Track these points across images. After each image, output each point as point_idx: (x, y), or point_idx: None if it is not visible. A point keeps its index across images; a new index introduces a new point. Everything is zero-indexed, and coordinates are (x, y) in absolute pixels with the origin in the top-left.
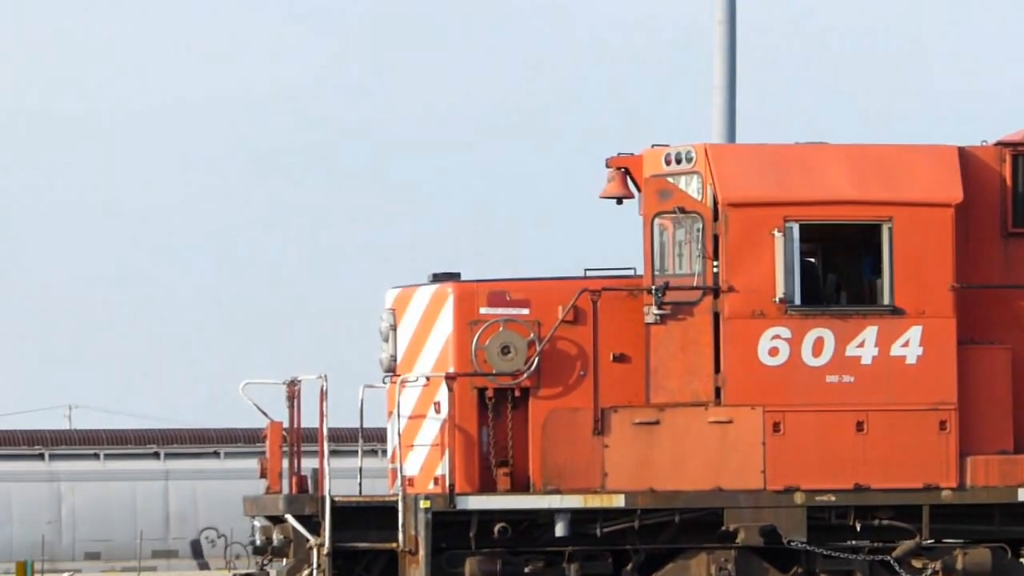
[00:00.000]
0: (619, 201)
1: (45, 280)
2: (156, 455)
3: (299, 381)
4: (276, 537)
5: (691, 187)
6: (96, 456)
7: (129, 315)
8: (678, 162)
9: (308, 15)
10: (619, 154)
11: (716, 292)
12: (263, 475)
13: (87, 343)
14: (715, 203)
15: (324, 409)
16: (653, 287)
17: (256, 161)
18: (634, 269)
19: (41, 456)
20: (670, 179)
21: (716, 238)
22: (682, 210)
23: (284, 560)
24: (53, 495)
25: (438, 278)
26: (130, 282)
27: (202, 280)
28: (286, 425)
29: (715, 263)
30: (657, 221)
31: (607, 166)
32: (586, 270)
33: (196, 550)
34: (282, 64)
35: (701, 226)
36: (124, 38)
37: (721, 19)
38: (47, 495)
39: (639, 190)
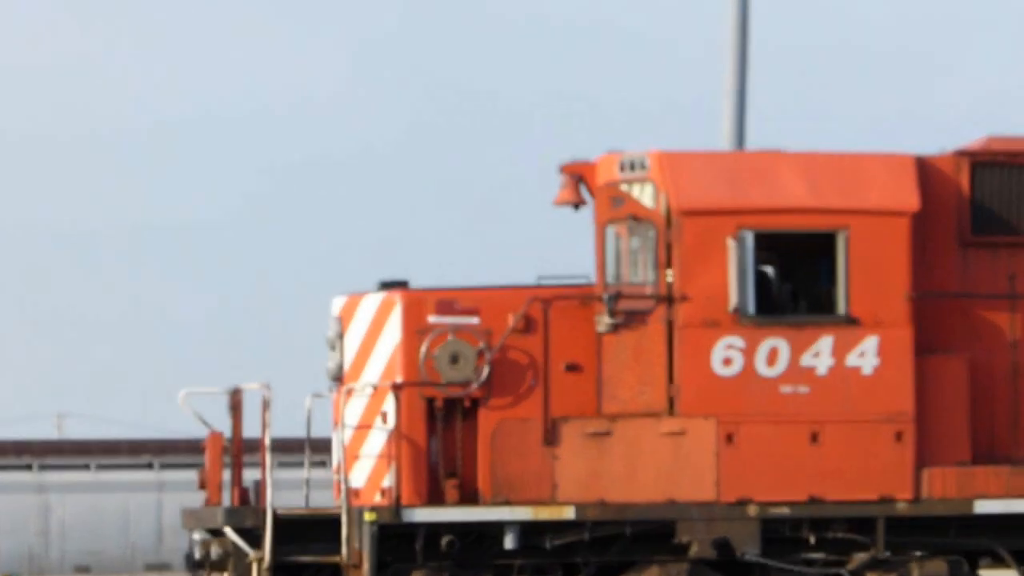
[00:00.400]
0: (576, 207)
1: (35, 284)
2: (150, 465)
3: (242, 390)
4: (215, 551)
5: (644, 195)
6: (87, 467)
7: (120, 322)
8: (632, 169)
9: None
10: (573, 160)
11: (669, 301)
12: (202, 486)
13: (77, 349)
14: (668, 211)
15: (267, 419)
16: (605, 295)
17: (213, 164)
18: (587, 278)
19: (29, 467)
20: (623, 186)
21: (669, 247)
22: (634, 218)
23: (223, 574)
24: (42, 506)
25: (386, 286)
26: (121, 289)
27: (188, 287)
28: (230, 435)
29: (668, 272)
30: (611, 229)
31: (561, 172)
32: (539, 278)
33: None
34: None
35: (654, 234)
36: None
37: (733, 24)
38: (36, 506)
39: (593, 197)
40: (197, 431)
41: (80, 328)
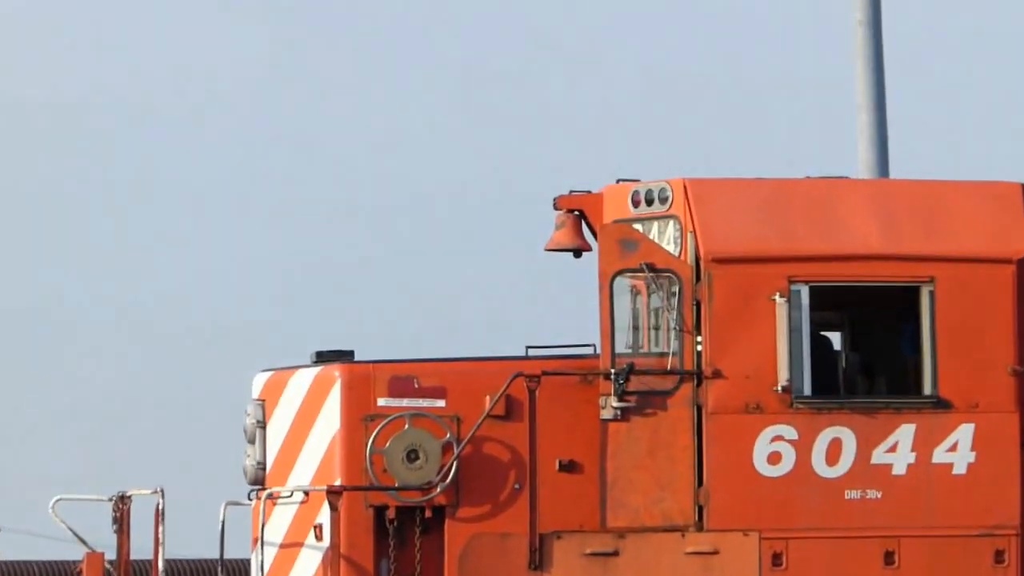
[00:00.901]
0: (576, 254)
1: None
2: None
3: (130, 497)
4: None
5: (666, 236)
6: None
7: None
8: (648, 203)
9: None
10: (571, 192)
11: (698, 378)
12: None
13: None
14: (697, 258)
15: (161, 534)
16: (612, 371)
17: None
18: (594, 347)
19: None
20: (637, 225)
21: (698, 305)
22: (651, 267)
23: None
24: None
25: (323, 358)
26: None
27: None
28: (112, 556)
29: (697, 339)
30: (621, 281)
31: (555, 207)
32: (528, 347)
33: None
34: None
35: (678, 289)
36: None
37: (862, 19)
38: None
39: (597, 240)
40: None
41: None
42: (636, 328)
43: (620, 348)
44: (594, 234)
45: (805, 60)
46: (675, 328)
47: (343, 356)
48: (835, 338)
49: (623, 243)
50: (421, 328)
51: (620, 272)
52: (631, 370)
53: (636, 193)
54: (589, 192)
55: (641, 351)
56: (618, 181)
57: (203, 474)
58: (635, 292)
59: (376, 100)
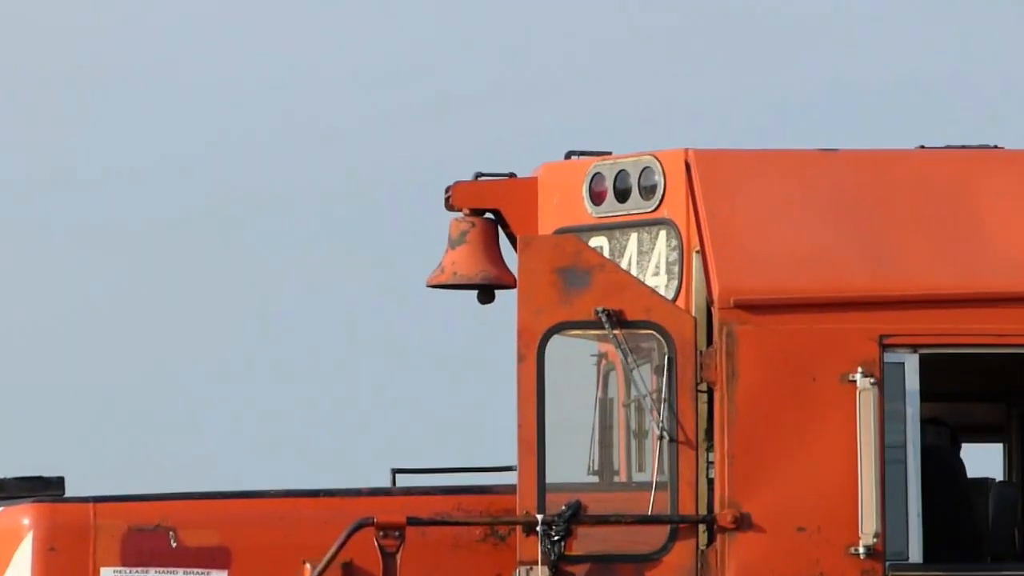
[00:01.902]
0: (484, 294)
1: None
2: None
3: None
4: None
5: (651, 258)
6: None
7: None
8: (620, 195)
9: None
10: (478, 177)
11: (708, 530)
12: None
13: None
14: (708, 301)
15: None
16: (540, 518)
17: None
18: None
19: None
20: (597, 239)
21: (709, 391)
22: (616, 318)
23: None
24: None
25: (9, 490)
26: None
27: None
28: None
29: (707, 456)
30: (557, 344)
31: (448, 205)
32: (394, 471)
33: None
34: None
35: (669, 359)
36: None
37: None
38: None
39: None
40: None
41: None
42: (604, 431)
43: (557, 474)
44: (520, 257)
45: None
46: (663, 434)
47: (44, 488)
48: (973, 451)
49: (564, 273)
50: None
51: (557, 328)
52: (575, 516)
53: (598, 177)
54: (511, 176)
55: (602, 481)
56: (568, 156)
57: None
58: (602, 363)
59: None
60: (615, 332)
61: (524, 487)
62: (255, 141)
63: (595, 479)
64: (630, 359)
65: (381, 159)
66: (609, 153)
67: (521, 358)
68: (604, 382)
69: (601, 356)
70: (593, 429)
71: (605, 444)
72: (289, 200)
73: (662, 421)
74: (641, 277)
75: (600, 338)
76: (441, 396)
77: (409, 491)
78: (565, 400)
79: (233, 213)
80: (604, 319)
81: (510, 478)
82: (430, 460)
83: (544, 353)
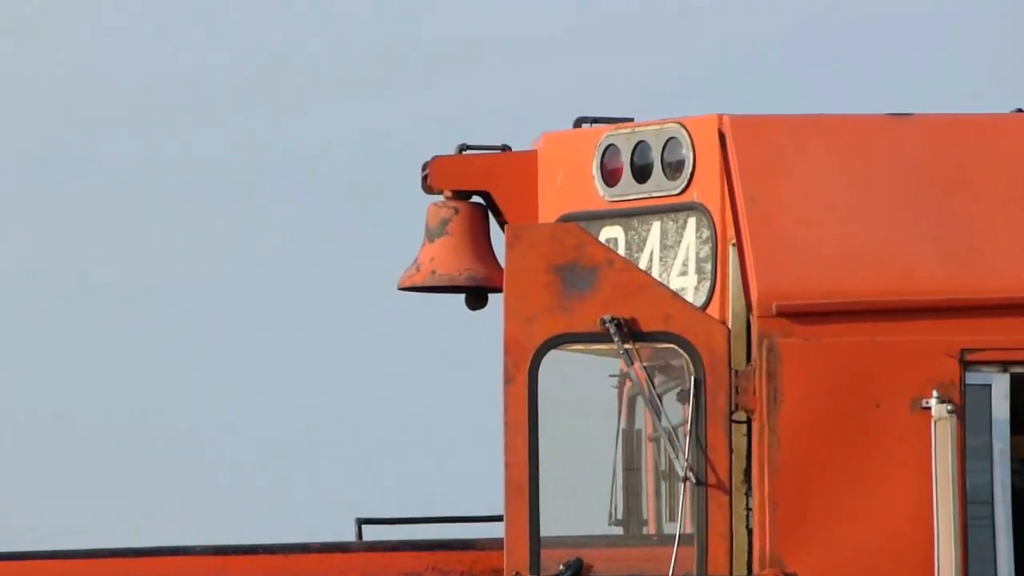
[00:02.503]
0: (475, 298)
1: None
2: None
3: None
4: None
5: (677, 254)
6: None
7: None
8: (640, 172)
9: None
10: (463, 150)
11: None
12: None
13: None
14: (747, 305)
15: None
16: None
17: None
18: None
19: None
20: (609, 231)
21: (748, 421)
22: (627, 330)
23: None
24: None
25: None
26: None
27: None
28: None
29: (745, 503)
30: (554, 359)
31: (426, 187)
32: (359, 520)
33: None
34: None
35: (696, 383)
36: None
37: None
38: None
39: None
40: None
41: None
42: (630, 472)
43: (554, 526)
44: (509, 248)
45: None
46: (687, 475)
47: None
48: None
49: (563, 272)
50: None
51: (554, 341)
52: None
53: (611, 150)
54: (505, 149)
55: (627, 533)
56: (578, 123)
57: None
58: (626, 386)
59: None
60: (626, 346)
61: (512, 541)
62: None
63: (615, 530)
64: (648, 381)
65: (342, 128)
66: (630, 120)
67: (509, 379)
68: (630, 410)
69: (624, 377)
70: (615, 469)
71: (632, 489)
72: None
73: (687, 459)
74: (665, 278)
75: (607, 354)
76: (418, 428)
77: (372, 546)
78: (564, 433)
79: None
80: (612, 330)
81: (499, 530)
82: (402, 508)
83: (537, 373)
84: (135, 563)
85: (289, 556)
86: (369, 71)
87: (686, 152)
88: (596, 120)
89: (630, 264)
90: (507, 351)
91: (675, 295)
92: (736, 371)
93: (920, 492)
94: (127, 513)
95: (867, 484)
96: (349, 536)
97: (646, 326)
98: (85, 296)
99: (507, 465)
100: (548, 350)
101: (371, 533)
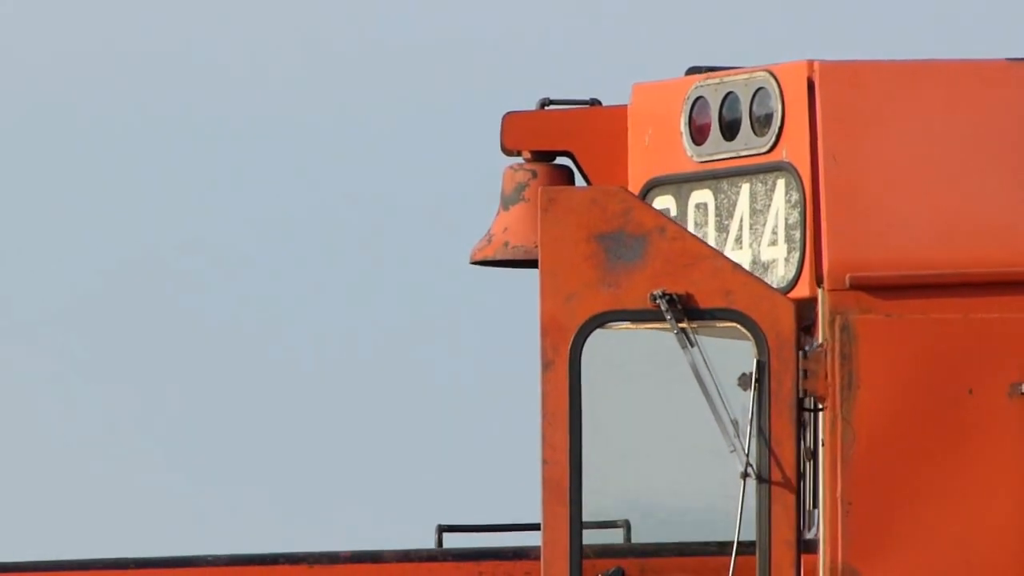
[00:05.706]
0: None
1: None
2: None
3: None
4: None
5: (767, 221)
6: None
7: None
8: (728, 128)
9: None
10: (545, 104)
11: None
12: None
13: None
14: (818, 277)
15: None
16: None
17: None
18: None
19: None
20: (699, 189)
21: (816, 408)
22: (681, 306)
23: None
24: None
25: None
26: None
27: None
28: None
29: (813, 509)
30: (600, 339)
31: (505, 149)
32: (441, 529)
33: None
34: None
35: (758, 363)
36: None
37: None
38: None
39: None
40: None
41: None
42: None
43: (598, 531)
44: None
45: None
46: (747, 472)
47: None
48: None
49: (607, 242)
50: None
51: (598, 319)
52: None
53: (700, 103)
54: (594, 104)
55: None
56: (690, 72)
57: None
58: (694, 368)
59: None
60: (680, 325)
61: (550, 548)
62: None
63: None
64: (705, 364)
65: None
66: (722, 68)
67: (547, 364)
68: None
69: (694, 366)
70: (668, 465)
71: (687, 488)
72: None
73: (748, 453)
74: (755, 248)
75: (659, 327)
76: (502, 423)
77: (406, 556)
78: (612, 424)
79: None
80: (664, 307)
81: None
82: (485, 515)
83: (580, 357)
84: (139, 574)
85: (313, 567)
86: None
87: (774, 104)
88: (711, 69)
89: (684, 231)
90: (544, 333)
91: (736, 266)
92: (805, 352)
93: (1019, 488)
94: (212, 512)
95: (958, 482)
96: (429, 544)
97: (703, 302)
98: None
99: (544, 462)
100: (591, 330)
101: (451, 540)
